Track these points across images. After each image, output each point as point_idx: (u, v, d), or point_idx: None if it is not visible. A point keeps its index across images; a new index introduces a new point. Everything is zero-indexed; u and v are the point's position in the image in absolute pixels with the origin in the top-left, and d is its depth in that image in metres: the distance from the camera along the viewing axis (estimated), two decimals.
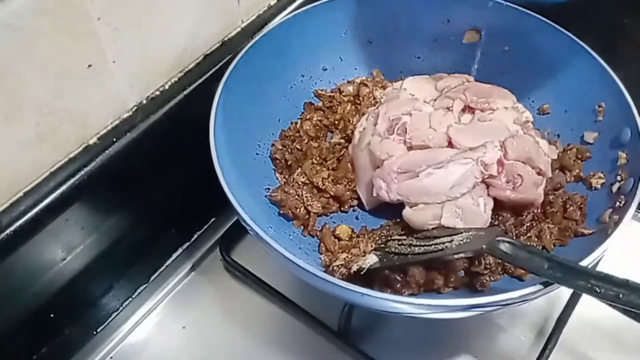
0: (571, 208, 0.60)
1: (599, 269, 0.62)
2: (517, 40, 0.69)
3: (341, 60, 0.74)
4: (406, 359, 0.61)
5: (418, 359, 0.61)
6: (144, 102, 0.59)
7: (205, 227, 0.69)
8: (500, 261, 0.57)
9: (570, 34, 0.66)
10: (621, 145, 0.60)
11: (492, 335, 0.61)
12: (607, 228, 0.54)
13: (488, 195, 0.59)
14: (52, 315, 0.58)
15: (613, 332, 0.61)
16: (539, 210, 0.61)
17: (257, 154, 0.66)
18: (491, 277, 0.57)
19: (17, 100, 0.48)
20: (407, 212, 0.58)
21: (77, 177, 0.54)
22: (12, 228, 0.50)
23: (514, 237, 0.59)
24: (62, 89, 0.51)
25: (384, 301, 0.48)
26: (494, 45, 0.71)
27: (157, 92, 0.60)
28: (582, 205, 0.60)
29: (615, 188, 0.58)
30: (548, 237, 0.59)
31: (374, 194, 0.60)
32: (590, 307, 0.61)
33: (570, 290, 0.61)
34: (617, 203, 0.56)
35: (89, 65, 0.52)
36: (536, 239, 0.59)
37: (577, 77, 0.64)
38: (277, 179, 0.65)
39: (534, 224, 0.60)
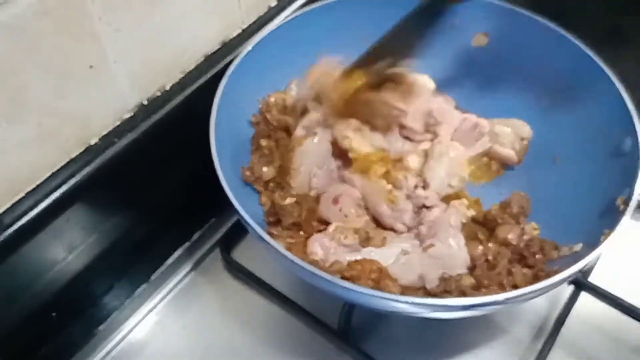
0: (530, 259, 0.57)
1: (599, 268, 0.63)
2: (523, 45, 0.68)
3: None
4: (406, 358, 0.61)
5: (418, 358, 0.61)
6: (145, 102, 0.60)
7: (205, 227, 0.70)
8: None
9: (576, 41, 0.64)
10: (622, 154, 0.58)
11: (492, 335, 0.62)
12: (598, 235, 0.52)
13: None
14: (53, 315, 0.58)
15: (612, 331, 0.62)
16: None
17: None
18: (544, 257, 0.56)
19: (18, 101, 0.48)
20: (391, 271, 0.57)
21: (78, 177, 0.54)
22: (13, 228, 0.51)
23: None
24: (63, 90, 0.51)
25: (384, 300, 0.49)
26: (498, 51, 0.70)
27: (158, 93, 0.61)
28: (539, 251, 0.58)
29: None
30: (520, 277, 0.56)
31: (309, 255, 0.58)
32: (589, 306, 0.61)
33: (570, 290, 0.62)
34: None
35: (91, 66, 0.52)
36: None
37: (583, 86, 0.63)
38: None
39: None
